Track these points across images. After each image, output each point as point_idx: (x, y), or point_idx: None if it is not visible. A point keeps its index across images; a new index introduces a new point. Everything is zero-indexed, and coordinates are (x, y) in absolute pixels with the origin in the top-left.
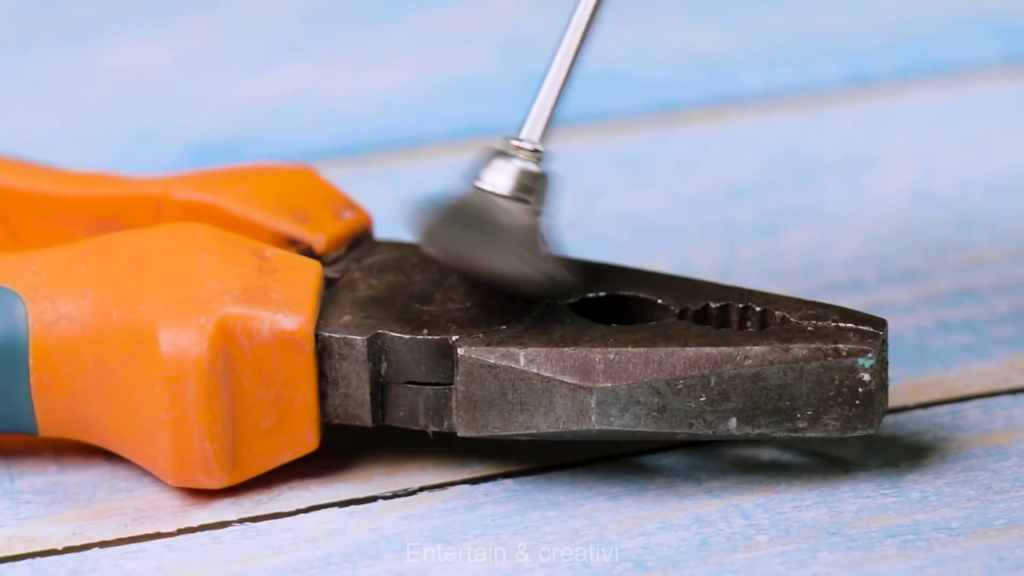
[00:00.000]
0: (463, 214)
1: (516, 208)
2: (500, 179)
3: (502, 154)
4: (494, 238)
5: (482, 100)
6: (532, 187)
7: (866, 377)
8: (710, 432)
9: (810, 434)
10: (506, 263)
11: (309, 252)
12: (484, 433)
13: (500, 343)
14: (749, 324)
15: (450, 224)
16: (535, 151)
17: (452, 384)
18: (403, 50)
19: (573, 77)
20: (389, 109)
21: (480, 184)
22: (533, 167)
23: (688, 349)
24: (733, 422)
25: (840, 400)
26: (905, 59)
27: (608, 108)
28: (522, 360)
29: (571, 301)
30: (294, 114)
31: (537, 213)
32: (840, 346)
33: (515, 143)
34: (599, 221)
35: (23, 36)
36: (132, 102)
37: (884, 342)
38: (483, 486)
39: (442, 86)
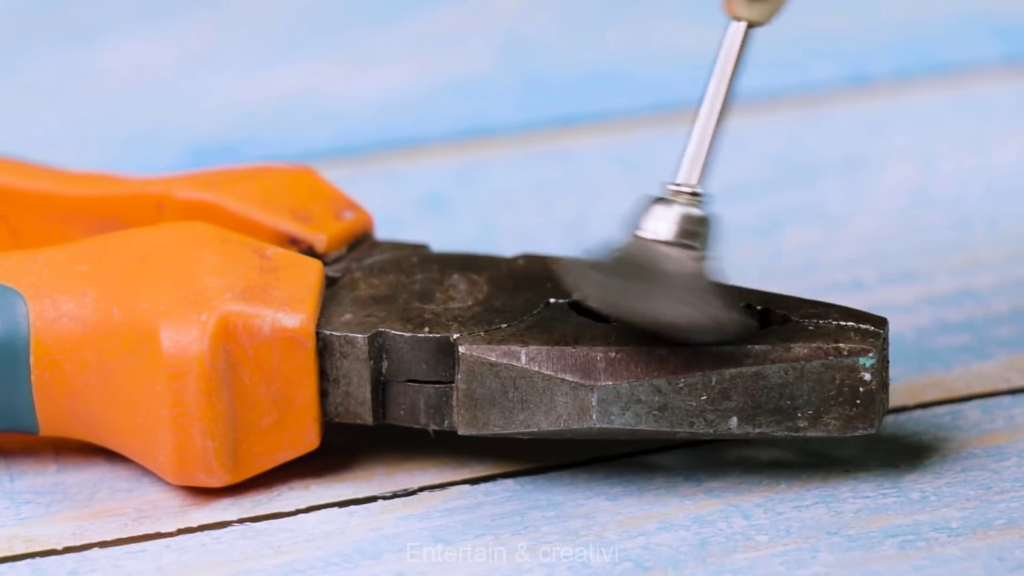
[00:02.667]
0: (626, 265)
1: (680, 255)
2: (661, 226)
3: (662, 200)
4: (660, 287)
5: (482, 100)
6: (695, 231)
7: (867, 376)
8: (711, 431)
9: (811, 433)
10: (674, 312)
11: (310, 251)
12: (485, 431)
13: (501, 341)
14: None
15: (613, 276)
16: (694, 194)
17: (453, 382)
18: (403, 50)
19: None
20: (389, 109)
21: (641, 233)
22: (694, 211)
23: (689, 348)
24: (734, 421)
25: (841, 399)
26: (905, 59)
27: (608, 108)
28: (523, 358)
29: (572, 300)
30: (294, 114)
31: (702, 258)
32: (841, 345)
33: (674, 188)
34: (599, 221)
35: (23, 36)
36: (132, 102)
37: (885, 341)
38: (483, 486)
39: (442, 86)
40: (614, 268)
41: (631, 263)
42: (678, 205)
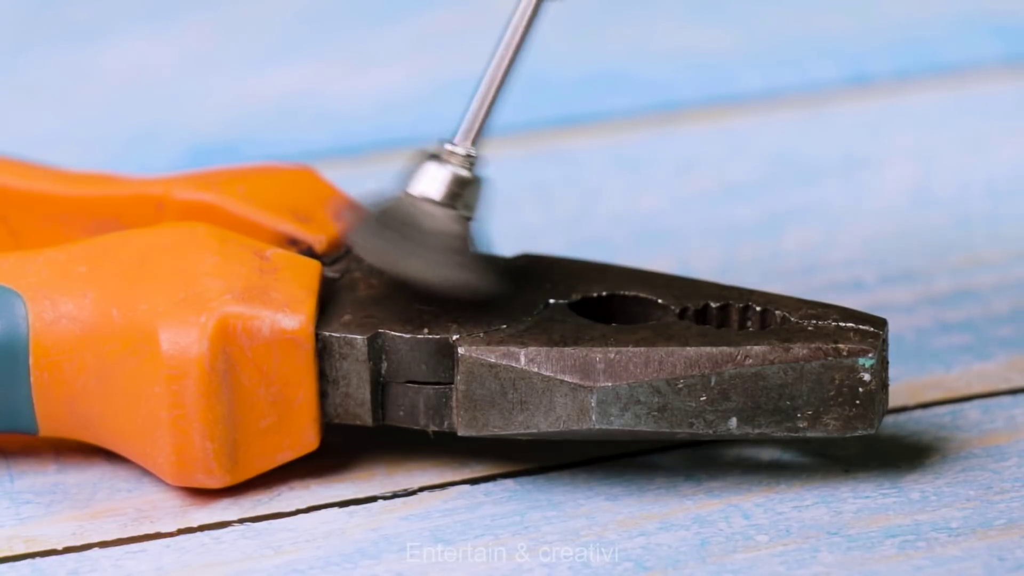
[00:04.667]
0: (390, 219)
1: (441, 214)
2: (430, 185)
3: (435, 158)
4: (418, 244)
5: None
6: (460, 193)
7: (866, 377)
8: (710, 432)
9: (810, 434)
10: (427, 269)
11: (309, 252)
12: (484, 432)
13: (500, 342)
14: (749, 324)
15: (377, 228)
16: (468, 156)
17: (452, 383)
18: (403, 50)
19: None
20: (389, 109)
21: (410, 189)
22: (463, 173)
23: (688, 348)
24: (733, 422)
25: (840, 400)
26: (905, 59)
27: (608, 108)
28: (523, 359)
29: (572, 300)
30: (294, 114)
31: (466, 219)
32: (840, 346)
33: (449, 147)
34: (599, 221)
35: (23, 36)
36: (132, 102)
37: (884, 342)
38: (483, 486)
39: (442, 86)
40: (381, 221)
41: (396, 218)
42: (450, 166)
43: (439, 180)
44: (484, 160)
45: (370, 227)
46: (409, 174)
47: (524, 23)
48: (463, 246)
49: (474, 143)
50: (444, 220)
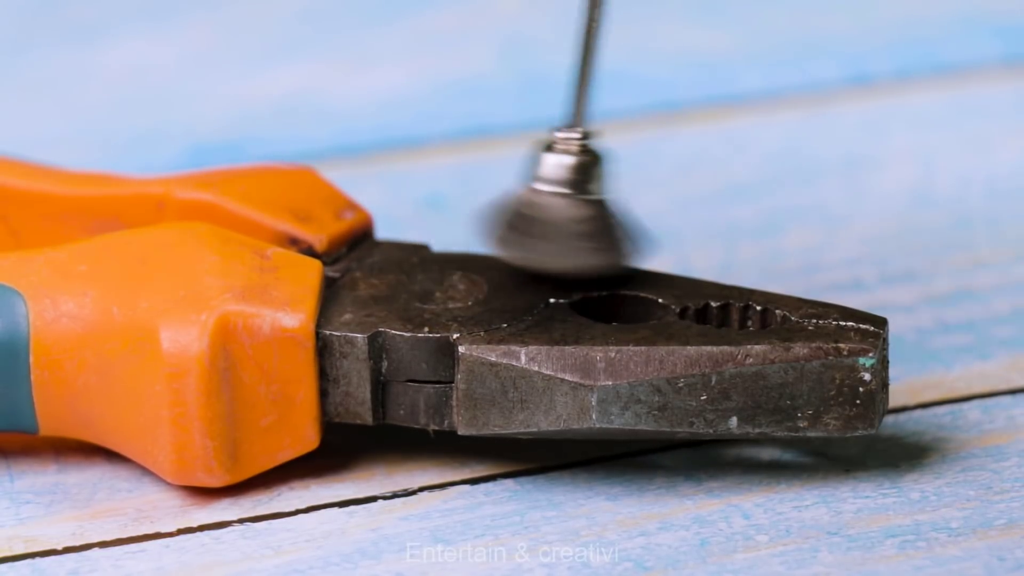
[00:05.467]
0: (516, 217)
1: (563, 203)
2: (547, 175)
3: (548, 148)
4: (544, 238)
5: (482, 100)
6: (580, 176)
7: (867, 376)
8: (711, 431)
9: (811, 433)
10: (559, 261)
11: (310, 251)
12: (485, 431)
13: (501, 341)
14: (750, 323)
15: (505, 229)
16: (579, 138)
17: (453, 382)
18: (403, 50)
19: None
20: (389, 109)
21: (530, 183)
22: (576, 157)
23: (689, 348)
24: (734, 421)
25: (841, 399)
26: (905, 59)
27: (608, 108)
28: (523, 358)
29: (572, 300)
30: (294, 114)
31: (594, 201)
32: (841, 345)
33: (557, 134)
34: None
35: (23, 36)
36: (132, 102)
37: (885, 341)
38: (483, 486)
39: (442, 86)
40: (507, 221)
41: (521, 215)
42: (559, 152)
43: (554, 168)
44: (598, 135)
45: (499, 228)
46: (529, 168)
47: None
48: (591, 229)
49: (581, 123)
50: (563, 208)
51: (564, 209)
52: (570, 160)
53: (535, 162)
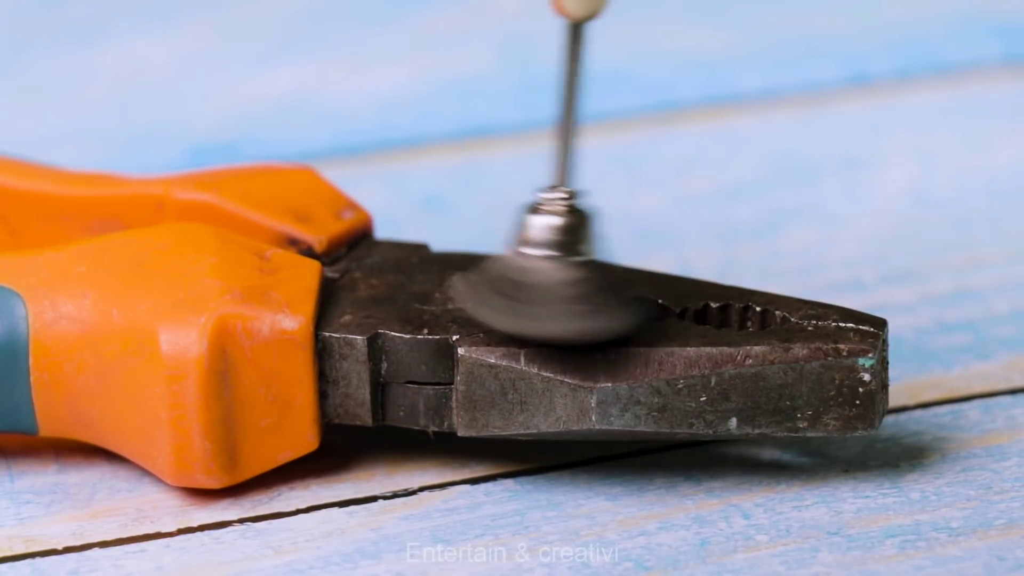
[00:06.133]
0: (500, 281)
1: (549, 266)
2: (530, 236)
3: (533, 209)
4: (530, 303)
5: (481, 100)
6: (567, 238)
7: (866, 377)
8: (710, 432)
9: (810, 434)
10: (546, 327)
11: (309, 252)
12: (484, 433)
13: (500, 343)
14: (749, 324)
15: (488, 294)
16: (564, 197)
17: (452, 384)
18: (403, 50)
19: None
20: (389, 109)
21: (515, 247)
22: (556, 219)
23: (688, 349)
24: (733, 422)
25: (840, 400)
26: (905, 59)
27: (608, 108)
28: (522, 360)
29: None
30: (294, 114)
31: (582, 263)
32: (840, 346)
33: (542, 195)
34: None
35: (23, 36)
36: (132, 102)
37: (884, 342)
38: (483, 486)
39: (442, 86)
40: (491, 285)
41: (505, 280)
42: (545, 214)
43: (540, 231)
44: (584, 195)
45: (482, 293)
46: (513, 231)
47: (575, 48)
48: (579, 292)
49: (567, 183)
50: (552, 272)
51: (554, 272)
52: (557, 221)
53: (520, 224)
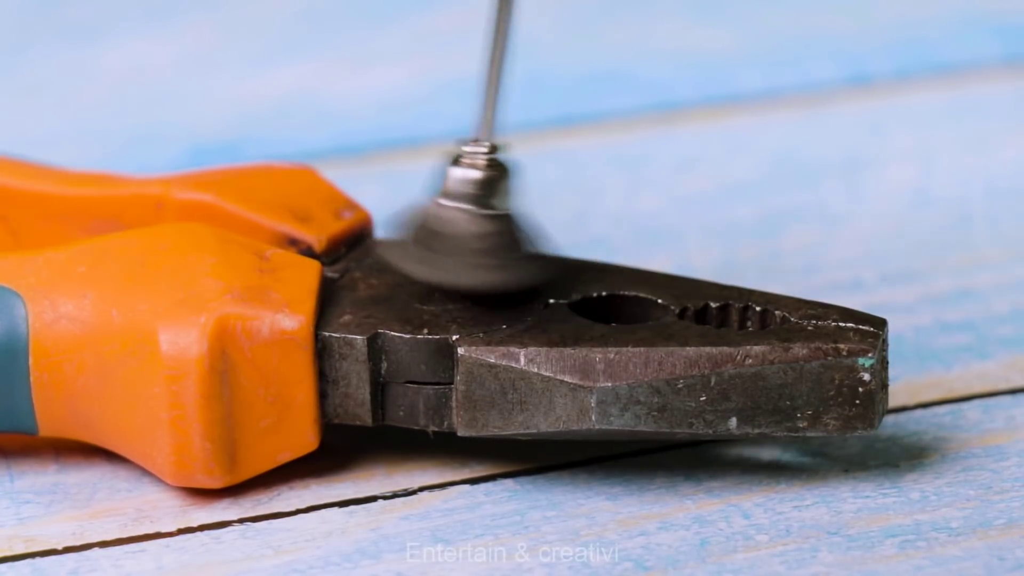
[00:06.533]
0: (419, 231)
1: (465, 217)
2: (448, 187)
3: (454, 161)
4: (445, 253)
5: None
6: (485, 192)
7: (866, 377)
8: (710, 432)
9: (810, 434)
10: (458, 277)
11: (309, 252)
12: (484, 433)
13: (500, 343)
14: (749, 324)
15: (408, 243)
16: (486, 152)
17: (452, 384)
18: (403, 50)
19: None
20: (389, 109)
21: (435, 197)
22: (474, 173)
23: (688, 348)
24: (733, 422)
25: (840, 400)
26: (905, 59)
27: (608, 108)
28: (522, 360)
29: (571, 300)
30: (294, 114)
31: (499, 216)
32: (840, 346)
33: (464, 147)
34: (599, 221)
35: (23, 36)
36: (132, 102)
37: (884, 342)
38: (483, 486)
39: (442, 86)
40: (411, 235)
41: (424, 230)
42: (464, 167)
43: (458, 183)
44: (506, 149)
45: (402, 242)
46: (435, 181)
47: (506, 6)
48: (494, 245)
49: (489, 137)
50: (465, 224)
51: (467, 224)
52: (475, 174)
53: (441, 175)
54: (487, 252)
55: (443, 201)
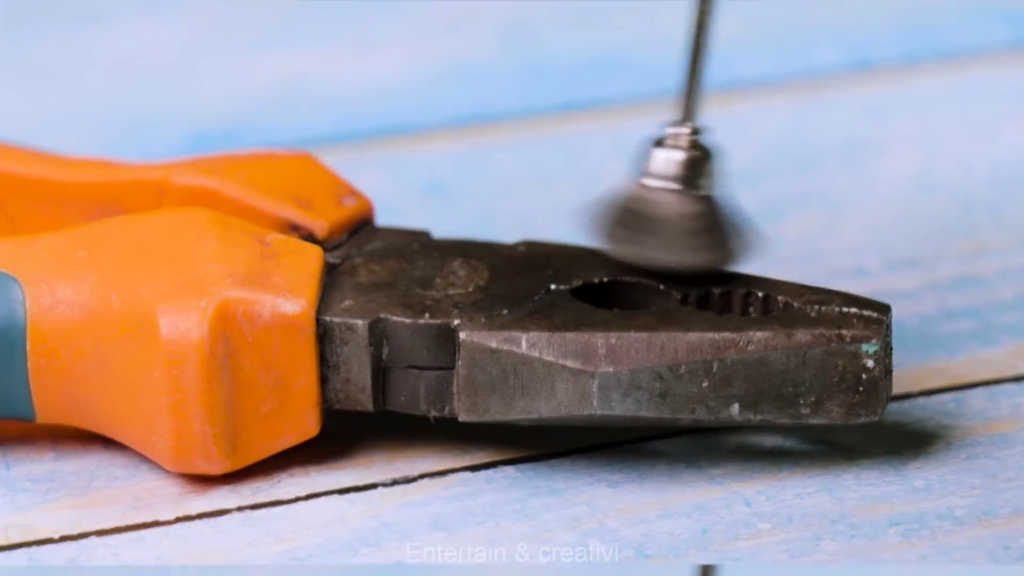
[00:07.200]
0: (625, 213)
1: (672, 199)
2: (657, 171)
3: (658, 143)
4: (653, 234)
5: (482, 86)
6: (690, 173)
7: (870, 363)
8: (712, 418)
9: (813, 421)
10: (667, 258)
11: (310, 238)
12: (485, 418)
13: (502, 327)
14: (752, 310)
15: (614, 225)
16: (689, 134)
17: (454, 368)
18: (403, 35)
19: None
20: (389, 95)
21: (640, 180)
22: (687, 152)
23: (691, 334)
24: (735, 408)
25: (844, 386)
26: (908, 44)
27: (609, 94)
28: (524, 344)
29: (573, 286)
30: (294, 100)
31: (703, 197)
32: (844, 332)
33: (669, 129)
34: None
35: (22, 21)
36: (132, 87)
37: (888, 328)
38: (484, 473)
39: (442, 72)
40: (616, 217)
41: (630, 211)
42: (669, 148)
43: (664, 164)
44: (709, 131)
45: (608, 224)
46: (639, 164)
47: None
48: (701, 225)
49: (692, 118)
50: (674, 204)
51: (674, 205)
52: (680, 155)
53: (645, 157)
54: (698, 232)
55: (648, 182)
